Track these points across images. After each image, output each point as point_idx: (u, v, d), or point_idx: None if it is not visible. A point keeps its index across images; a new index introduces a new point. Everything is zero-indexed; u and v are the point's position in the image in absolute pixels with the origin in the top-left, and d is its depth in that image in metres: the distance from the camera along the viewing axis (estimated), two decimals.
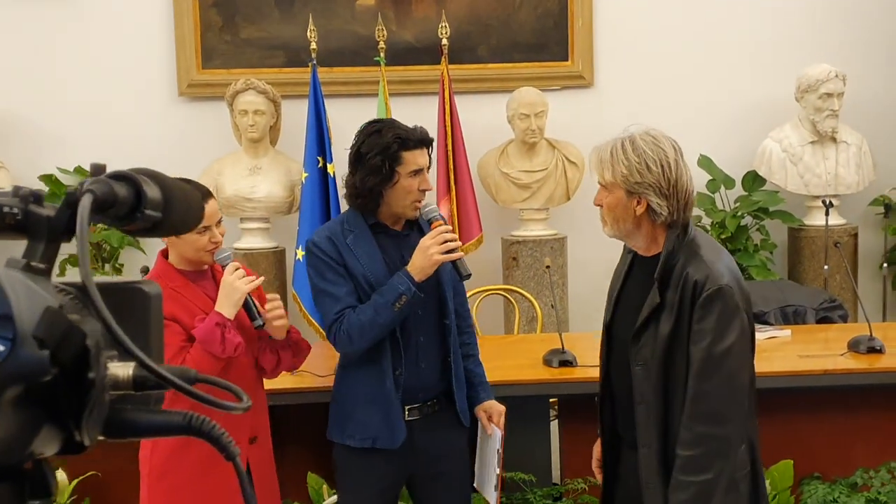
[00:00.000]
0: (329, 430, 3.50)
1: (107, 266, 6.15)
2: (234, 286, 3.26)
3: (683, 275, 2.79)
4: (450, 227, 3.39)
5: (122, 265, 6.18)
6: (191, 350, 3.21)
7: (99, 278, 1.03)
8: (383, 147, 3.28)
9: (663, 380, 2.83)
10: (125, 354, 0.89)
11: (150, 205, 0.96)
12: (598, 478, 3.24)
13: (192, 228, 1.13)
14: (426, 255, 3.28)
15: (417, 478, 3.51)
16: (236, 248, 6.26)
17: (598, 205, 2.94)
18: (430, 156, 3.42)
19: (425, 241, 3.31)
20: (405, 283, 3.26)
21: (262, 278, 3.36)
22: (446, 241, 3.30)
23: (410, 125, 3.44)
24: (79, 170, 6.22)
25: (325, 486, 4.09)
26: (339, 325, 3.30)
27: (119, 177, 0.95)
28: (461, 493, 3.58)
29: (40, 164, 6.26)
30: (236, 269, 3.30)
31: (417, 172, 3.33)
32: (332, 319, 3.33)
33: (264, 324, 3.35)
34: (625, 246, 3.08)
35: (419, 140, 3.35)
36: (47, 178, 6.18)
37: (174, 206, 0.99)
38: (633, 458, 2.95)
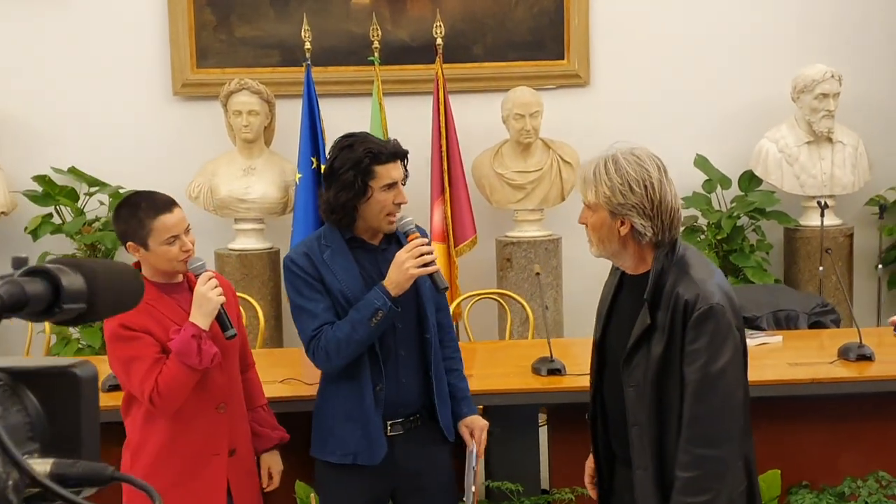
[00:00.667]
0: (311, 446, 3.50)
1: None
2: (207, 297, 3.26)
3: (674, 294, 2.77)
4: (426, 240, 3.36)
5: None
6: (167, 362, 3.23)
7: (30, 362, 1.02)
8: (355, 162, 3.26)
9: (657, 402, 2.81)
10: (45, 450, 0.89)
11: (69, 298, 0.95)
12: (592, 494, 3.24)
13: (130, 309, 1.11)
14: (401, 270, 3.27)
15: (400, 492, 3.50)
16: (231, 249, 6.26)
17: (583, 223, 2.93)
18: (404, 168, 3.39)
19: (401, 255, 3.29)
20: (381, 299, 3.24)
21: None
22: (422, 255, 3.29)
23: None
24: (73, 170, 6.21)
25: (312, 495, 4.08)
26: (317, 341, 3.29)
27: (36, 272, 0.94)
28: None
29: (34, 164, 6.26)
30: (209, 280, 3.29)
31: (391, 186, 3.31)
32: (310, 336, 3.32)
33: (237, 334, 3.36)
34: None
35: (392, 153, 3.32)
36: (41, 179, 6.18)
37: (101, 294, 0.98)
38: (628, 474, 2.95)
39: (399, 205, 3.36)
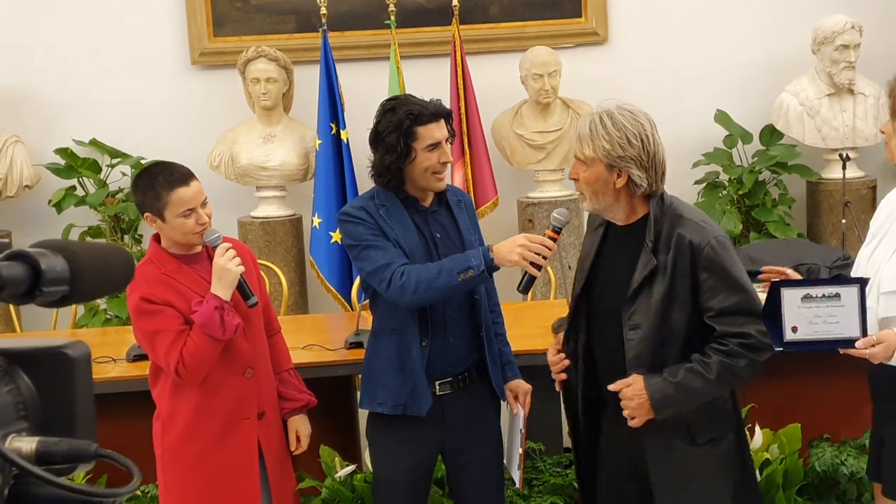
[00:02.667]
0: (360, 400, 3.55)
1: (126, 237, 6.21)
2: (227, 268, 3.32)
3: (675, 236, 2.91)
4: (553, 245, 3.23)
5: (140, 236, 6.23)
6: (191, 334, 3.28)
7: (25, 342, 1.05)
8: (397, 124, 3.30)
9: (659, 342, 2.93)
10: (38, 429, 0.92)
11: (49, 282, 0.97)
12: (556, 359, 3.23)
13: (119, 291, 1.14)
14: (511, 248, 3.21)
15: (449, 451, 3.54)
16: (253, 217, 6.30)
17: (574, 179, 3.01)
18: (449, 127, 3.40)
19: (520, 239, 3.24)
20: (479, 258, 3.21)
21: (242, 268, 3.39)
22: (538, 253, 3.19)
23: (427, 97, 3.43)
24: (94, 142, 6.26)
25: (337, 459, 4.14)
26: (398, 273, 3.24)
27: (15, 256, 0.97)
28: (494, 467, 3.60)
29: (56, 136, 6.30)
30: (227, 251, 3.34)
31: (435, 147, 3.33)
32: (384, 264, 3.27)
33: (258, 302, 3.42)
34: (590, 221, 3.19)
35: (433, 114, 3.34)
36: (63, 152, 6.23)
37: (84, 276, 1.00)
38: (619, 432, 3.00)
39: (444, 164, 3.38)
